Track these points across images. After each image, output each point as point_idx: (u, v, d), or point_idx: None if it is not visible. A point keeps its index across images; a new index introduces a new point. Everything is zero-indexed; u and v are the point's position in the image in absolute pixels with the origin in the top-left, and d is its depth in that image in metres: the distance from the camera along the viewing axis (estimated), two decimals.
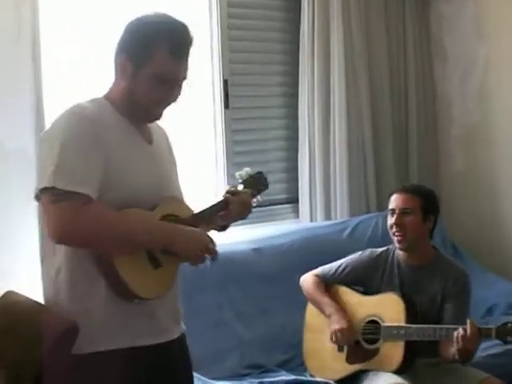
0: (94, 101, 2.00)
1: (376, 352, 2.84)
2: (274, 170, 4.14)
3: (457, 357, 2.63)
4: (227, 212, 2.17)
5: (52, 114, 3.28)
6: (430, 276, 2.92)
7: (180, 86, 2.03)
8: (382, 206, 4.25)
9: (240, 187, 2.29)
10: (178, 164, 2.24)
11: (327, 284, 3.08)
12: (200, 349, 2.76)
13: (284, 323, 3.36)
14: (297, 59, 4.08)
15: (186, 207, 2.10)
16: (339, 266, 3.08)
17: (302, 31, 4.03)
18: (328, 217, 4.07)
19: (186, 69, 2.02)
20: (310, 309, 3.11)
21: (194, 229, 2.01)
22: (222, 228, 2.24)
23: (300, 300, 3.12)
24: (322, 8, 4.00)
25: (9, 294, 2.28)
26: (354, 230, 3.89)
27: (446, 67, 4.49)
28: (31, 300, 2.21)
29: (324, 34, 4.02)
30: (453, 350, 2.64)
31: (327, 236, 3.79)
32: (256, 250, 3.55)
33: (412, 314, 2.81)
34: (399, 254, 2.99)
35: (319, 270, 3.11)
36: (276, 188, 4.09)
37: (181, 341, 2.11)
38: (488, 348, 3.09)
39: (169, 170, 2.14)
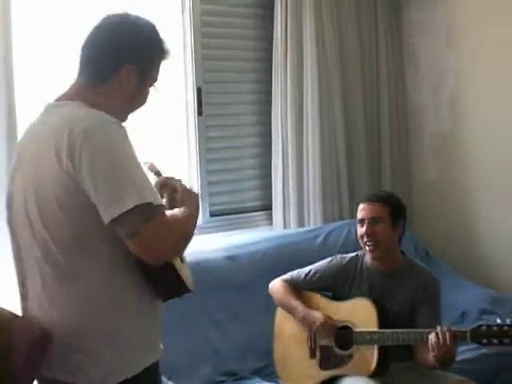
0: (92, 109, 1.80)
1: (350, 357, 2.85)
2: (247, 177, 4.16)
3: (437, 364, 2.62)
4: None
5: (25, 120, 3.27)
6: (400, 281, 2.93)
7: None
8: (354, 213, 4.24)
9: None
10: None
11: (296, 289, 3.07)
12: (174, 356, 2.75)
13: (258, 331, 3.35)
14: (270, 67, 4.09)
15: None
16: (308, 272, 3.08)
17: (275, 39, 4.05)
18: (301, 224, 4.08)
19: None
20: (279, 317, 3.11)
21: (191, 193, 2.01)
22: None
23: (274, 307, 3.12)
24: (294, 16, 4.02)
25: None
26: (327, 237, 3.89)
27: (417, 74, 4.51)
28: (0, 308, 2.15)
29: (297, 41, 4.04)
30: (430, 356, 2.63)
31: (300, 243, 3.79)
32: (230, 258, 3.55)
33: (384, 320, 2.82)
34: (368, 260, 3.00)
35: (288, 276, 3.12)
36: (249, 195, 4.10)
37: None
38: (459, 353, 3.09)
39: None
